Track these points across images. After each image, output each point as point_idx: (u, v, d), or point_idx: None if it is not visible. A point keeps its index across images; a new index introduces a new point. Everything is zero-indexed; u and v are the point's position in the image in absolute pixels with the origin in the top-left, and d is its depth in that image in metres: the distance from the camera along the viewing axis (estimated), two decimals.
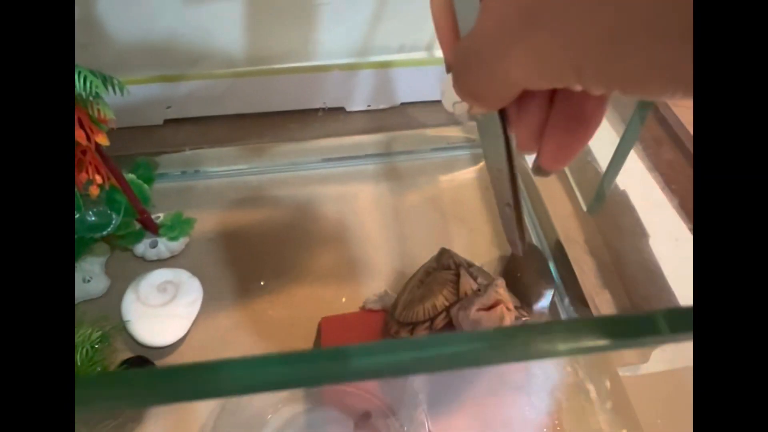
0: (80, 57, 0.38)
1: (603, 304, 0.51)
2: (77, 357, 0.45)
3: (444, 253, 0.51)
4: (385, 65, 0.63)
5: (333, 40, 0.61)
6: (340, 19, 0.59)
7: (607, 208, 0.49)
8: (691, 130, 0.49)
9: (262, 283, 0.55)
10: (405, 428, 0.44)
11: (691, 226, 0.44)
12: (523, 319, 0.46)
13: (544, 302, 0.51)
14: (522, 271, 0.52)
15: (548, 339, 0.19)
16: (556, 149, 0.23)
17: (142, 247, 0.56)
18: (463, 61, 0.21)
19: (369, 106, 0.68)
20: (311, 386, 0.41)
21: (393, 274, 0.56)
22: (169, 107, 0.63)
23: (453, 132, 0.69)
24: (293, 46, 0.61)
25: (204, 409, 0.45)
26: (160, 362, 0.49)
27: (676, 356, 0.43)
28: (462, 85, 0.22)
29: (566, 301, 0.54)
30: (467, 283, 0.46)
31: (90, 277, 0.53)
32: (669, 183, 0.47)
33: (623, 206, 0.48)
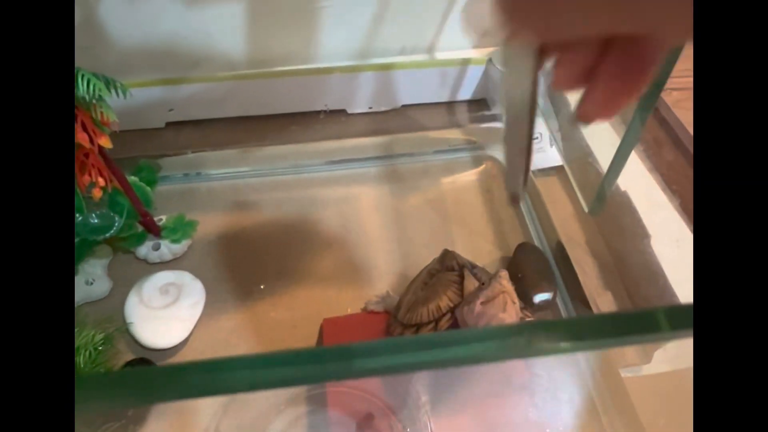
0: (83, 60, 0.38)
1: (604, 305, 0.51)
2: (80, 359, 0.45)
3: (447, 254, 0.51)
4: (387, 67, 0.64)
5: (334, 42, 0.61)
6: (341, 21, 0.59)
7: (608, 209, 0.49)
8: (691, 131, 0.49)
9: (263, 286, 0.55)
10: (407, 429, 0.44)
11: (692, 227, 0.44)
12: (526, 319, 0.46)
13: (545, 303, 0.51)
14: (523, 272, 0.52)
15: (551, 335, 0.19)
16: (608, 97, 0.21)
17: (144, 250, 0.56)
18: None
19: (370, 108, 0.68)
20: (315, 383, 0.41)
21: (394, 276, 0.56)
22: (171, 110, 0.64)
23: (454, 134, 0.69)
24: (294, 49, 0.61)
25: (207, 411, 0.45)
26: (163, 364, 0.49)
27: (678, 357, 0.43)
28: (522, 5, 0.18)
29: (568, 302, 0.54)
30: (471, 285, 0.46)
31: (92, 279, 0.53)
32: (670, 184, 0.47)
33: (624, 207, 0.48)
